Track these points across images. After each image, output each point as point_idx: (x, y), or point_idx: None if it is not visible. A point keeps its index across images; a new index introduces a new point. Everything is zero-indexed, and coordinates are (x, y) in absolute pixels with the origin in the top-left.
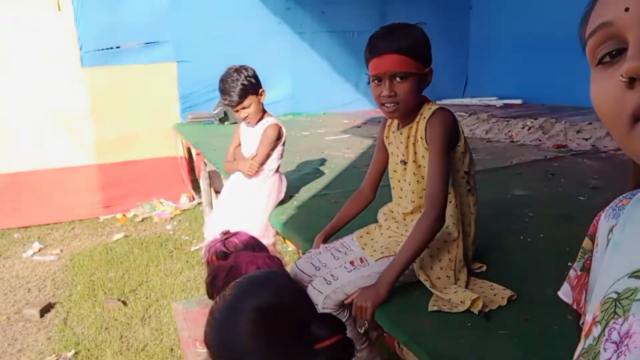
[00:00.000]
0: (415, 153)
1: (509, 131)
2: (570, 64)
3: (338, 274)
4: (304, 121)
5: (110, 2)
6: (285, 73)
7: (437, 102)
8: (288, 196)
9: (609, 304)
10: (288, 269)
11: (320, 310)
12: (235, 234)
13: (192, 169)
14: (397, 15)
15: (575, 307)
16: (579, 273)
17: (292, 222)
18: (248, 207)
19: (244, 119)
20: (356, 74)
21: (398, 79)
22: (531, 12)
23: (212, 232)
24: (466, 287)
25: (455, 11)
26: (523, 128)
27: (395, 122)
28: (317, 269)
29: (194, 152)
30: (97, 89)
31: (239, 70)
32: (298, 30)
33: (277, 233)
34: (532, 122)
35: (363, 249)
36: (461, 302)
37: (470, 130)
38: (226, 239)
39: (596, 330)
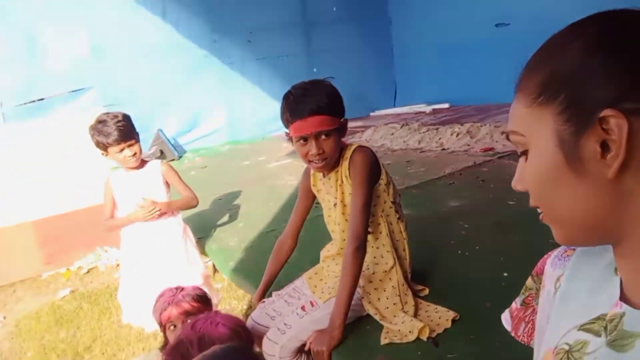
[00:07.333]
0: (343, 193)
1: (439, 139)
2: (488, 67)
3: (291, 322)
4: (244, 149)
5: (28, 54)
6: (219, 102)
7: (372, 113)
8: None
9: (562, 355)
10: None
11: (277, 359)
12: (181, 288)
13: None
14: (322, 38)
15: (513, 334)
16: (519, 307)
17: (242, 266)
18: (162, 251)
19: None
20: None
21: (323, 136)
22: (445, 22)
23: (132, 295)
24: (415, 312)
25: (377, 27)
26: (452, 135)
27: None
28: (273, 318)
29: None
30: (23, 144)
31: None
32: (227, 60)
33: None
34: (459, 127)
35: (313, 292)
36: (409, 332)
37: (404, 141)
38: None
39: None
